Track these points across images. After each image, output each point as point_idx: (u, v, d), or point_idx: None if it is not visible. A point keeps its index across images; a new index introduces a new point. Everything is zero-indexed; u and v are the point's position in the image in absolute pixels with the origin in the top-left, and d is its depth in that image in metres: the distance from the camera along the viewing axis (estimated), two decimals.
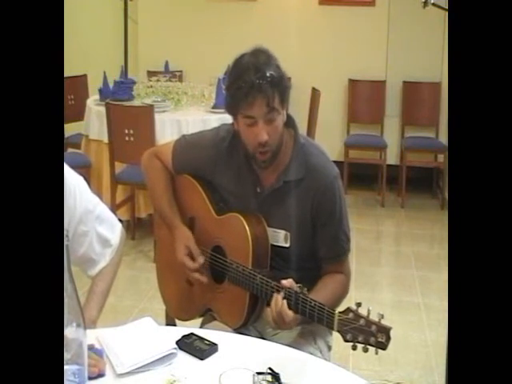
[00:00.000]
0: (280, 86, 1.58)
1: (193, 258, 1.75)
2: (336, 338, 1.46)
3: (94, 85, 4.61)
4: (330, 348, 1.77)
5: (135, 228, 4.14)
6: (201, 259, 1.75)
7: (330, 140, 4.90)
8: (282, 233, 1.69)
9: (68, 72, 4.72)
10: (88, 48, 5.46)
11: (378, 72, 5.24)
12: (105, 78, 4.36)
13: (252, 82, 1.54)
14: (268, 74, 1.56)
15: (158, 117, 3.76)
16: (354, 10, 5.21)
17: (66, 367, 1.08)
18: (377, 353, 1.31)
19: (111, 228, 1.72)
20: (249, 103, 1.56)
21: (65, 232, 1.09)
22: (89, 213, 1.63)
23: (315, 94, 4.71)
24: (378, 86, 5.25)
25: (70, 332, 1.09)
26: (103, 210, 1.70)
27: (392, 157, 5.18)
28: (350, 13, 5.22)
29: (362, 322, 1.33)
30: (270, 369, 1.28)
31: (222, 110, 4.02)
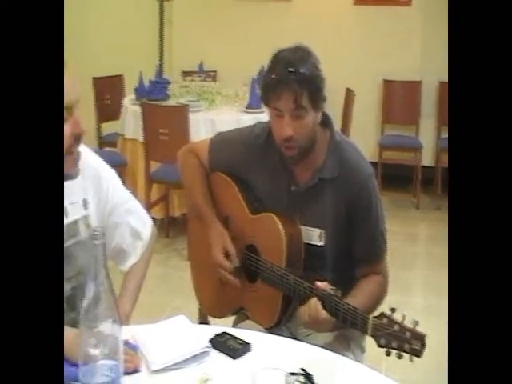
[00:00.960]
0: (311, 84, 1.57)
1: (229, 259, 1.76)
2: (370, 339, 1.45)
3: (130, 84, 4.67)
4: (363, 350, 1.75)
5: (169, 226, 4.18)
6: (236, 261, 1.75)
7: (363, 140, 4.83)
8: (316, 231, 1.68)
9: (105, 72, 4.80)
10: (124, 48, 5.53)
11: (412, 72, 5.17)
12: (141, 77, 4.40)
13: (281, 75, 1.56)
14: (300, 71, 1.55)
15: (192, 116, 3.79)
16: (389, 9, 5.15)
17: (102, 362, 1.09)
18: (411, 360, 1.30)
19: (142, 222, 1.73)
20: (276, 96, 1.58)
21: (100, 229, 1.10)
22: (120, 205, 1.65)
23: (349, 95, 4.67)
24: (413, 87, 5.18)
25: (106, 328, 1.09)
26: (135, 204, 1.72)
27: (427, 158, 5.11)
28: (384, 12, 5.16)
29: (396, 327, 1.31)
30: (302, 369, 1.27)
31: (256, 110, 4.05)
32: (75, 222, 1.52)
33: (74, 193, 1.52)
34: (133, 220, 1.69)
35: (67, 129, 1.40)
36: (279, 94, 1.57)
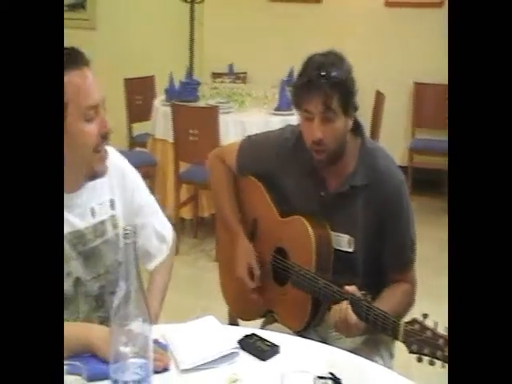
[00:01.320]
0: (342, 88, 1.57)
1: (252, 278, 1.78)
2: (399, 345, 1.43)
3: (160, 85, 4.71)
4: (392, 356, 1.74)
5: (198, 227, 4.20)
6: (258, 282, 1.78)
7: (393, 144, 4.79)
8: (345, 237, 1.67)
9: (136, 73, 4.85)
10: (155, 50, 5.58)
11: (444, 75, 5.08)
12: (171, 79, 4.43)
13: (312, 77, 1.56)
14: (332, 75, 1.55)
15: (221, 118, 3.80)
16: (421, 11, 5.10)
17: (132, 360, 1.10)
18: (443, 366, 1.28)
19: (165, 225, 1.76)
20: (307, 98, 1.58)
21: (131, 228, 1.11)
22: (145, 206, 1.66)
23: (379, 98, 4.63)
24: (445, 90, 5.08)
25: (136, 326, 1.10)
26: (157, 205, 1.75)
27: None
28: (416, 14, 5.11)
29: (428, 333, 1.30)
30: (331, 373, 1.26)
31: (285, 112, 4.05)
32: (103, 222, 1.54)
33: (101, 193, 1.54)
34: (157, 222, 1.71)
35: (94, 128, 1.42)
36: (310, 96, 1.57)
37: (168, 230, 1.77)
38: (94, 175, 1.48)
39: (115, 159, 1.59)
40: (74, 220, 1.49)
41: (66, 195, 1.47)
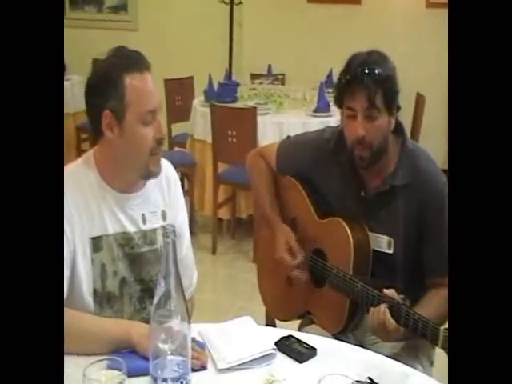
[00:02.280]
0: (385, 85, 1.56)
1: (293, 255, 1.75)
2: (439, 352, 1.41)
3: (199, 86, 4.74)
4: (432, 363, 1.71)
5: (235, 228, 4.22)
6: (300, 256, 1.75)
7: (434, 146, 4.72)
8: (385, 238, 1.66)
9: (176, 74, 4.90)
10: (195, 51, 5.63)
11: None
12: (210, 79, 4.46)
13: (356, 73, 1.55)
14: (376, 72, 1.55)
15: (260, 119, 3.81)
16: None
17: (170, 357, 1.12)
18: None
19: (194, 271, 1.73)
20: (350, 94, 1.57)
21: (171, 227, 1.12)
22: (184, 223, 1.65)
23: (420, 100, 4.57)
24: None
25: (175, 324, 1.12)
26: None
27: None
28: None
29: None
30: (369, 378, 1.25)
31: (323, 114, 4.03)
32: (154, 231, 1.55)
33: (155, 203, 1.57)
34: (190, 260, 1.69)
35: (150, 132, 1.44)
36: (353, 92, 1.56)
37: (195, 275, 1.73)
38: (149, 175, 1.51)
39: (168, 170, 1.61)
40: (125, 222, 1.52)
41: (120, 195, 1.51)
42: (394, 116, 1.62)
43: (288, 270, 1.77)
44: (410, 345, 1.66)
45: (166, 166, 1.61)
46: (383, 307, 1.46)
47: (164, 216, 1.57)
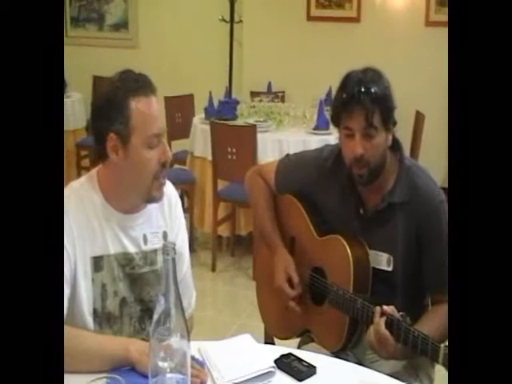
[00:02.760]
0: (382, 104, 1.57)
1: (292, 285, 1.76)
2: (438, 369, 1.41)
3: (200, 104, 4.77)
4: (432, 381, 1.70)
5: (235, 245, 4.22)
6: (299, 289, 1.75)
7: (433, 164, 4.75)
8: (384, 256, 1.66)
9: (176, 91, 4.93)
10: (195, 68, 5.67)
11: None
12: (210, 97, 4.49)
13: (353, 93, 1.56)
14: (372, 90, 1.56)
15: (260, 136, 3.82)
16: None
17: (169, 375, 1.12)
18: None
19: (193, 292, 1.73)
20: (347, 114, 1.58)
21: (171, 244, 1.12)
22: (184, 241, 1.66)
23: (419, 118, 4.60)
24: None
25: (174, 342, 1.12)
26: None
27: None
28: None
29: None
30: None
31: (323, 132, 4.05)
32: (155, 251, 1.55)
33: (156, 224, 1.57)
34: (190, 281, 1.69)
35: (155, 155, 1.45)
36: (350, 112, 1.57)
37: (194, 295, 1.72)
38: (151, 200, 1.52)
39: (168, 189, 1.61)
40: (126, 242, 1.52)
41: (123, 215, 1.51)
42: (390, 132, 1.63)
43: (286, 300, 1.77)
44: (410, 364, 1.65)
45: (167, 186, 1.60)
46: (382, 321, 1.46)
47: (165, 236, 1.58)
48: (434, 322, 1.58)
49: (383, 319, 1.47)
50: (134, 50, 5.99)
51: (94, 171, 1.55)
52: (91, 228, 1.48)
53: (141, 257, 1.53)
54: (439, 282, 1.65)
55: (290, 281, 1.76)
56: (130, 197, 1.51)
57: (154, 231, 1.56)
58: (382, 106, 1.57)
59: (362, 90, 1.55)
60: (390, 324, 1.46)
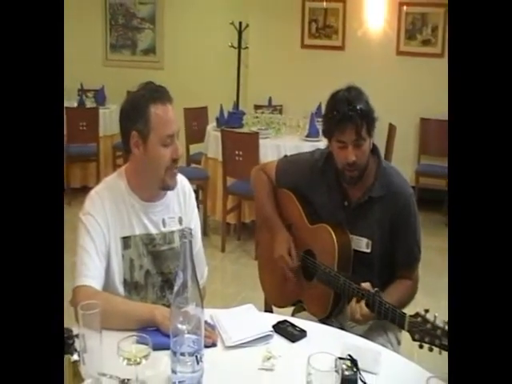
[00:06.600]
0: (368, 117, 1.57)
1: (291, 258, 1.74)
2: (404, 334, 1.40)
3: (212, 114, 4.76)
4: (399, 342, 1.70)
5: (241, 231, 4.20)
6: (296, 261, 1.74)
7: (402, 168, 4.69)
8: (364, 240, 1.66)
9: (193, 104, 4.92)
10: (209, 86, 5.67)
11: (445, 112, 4.99)
12: (221, 109, 4.48)
13: (344, 112, 1.54)
14: (358, 108, 1.54)
15: (261, 142, 3.82)
16: (426, 60, 5.04)
17: (187, 336, 1.11)
18: (440, 353, 1.25)
19: (204, 268, 1.70)
20: (341, 130, 1.56)
21: (188, 229, 1.12)
22: (198, 226, 1.64)
23: (392, 129, 4.58)
24: (446, 124, 4.99)
25: (191, 309, 1.12)
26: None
27: None
28: (422, 62, 5.06)
29: (429, 325, 1.27)
30: (349, 355, 1.24)
31: (314, 139, 4.03)
32: (172, 233, 1.55)
33: (173, 210, 1.57)
34: (202, 259, 1.67)
35: (168, 153, 1.45)
36: (343, 128, 1.55)
37: (206, 269, 1.69)
38: (166, 187, 1.51)
39: (183, 182, 1.61)
40: (149, 225, 1.52)
41: (145, 203, 1.51)
42: (372, 137, 1.62)
43: (285, 270, 1.76)
44: (378, 325, 1.66)
45: (183, 180, 1.61)
46: (359, 298, 1.47)
47: (180, 221, 1.58)
48: (399, 291, 1.59)
49: (360, 294, 1.47)
50: (160, 70, 5.98)
51: (122, 168, 1.56)
52: (120, 213, 1.48)
53: (161, 237, 1.53)
54: (406, 261, 1.66)
55: (290, 254, 1.75)
56: (148, 185, 1.50)
57: (171, 216, 1.56)
58: (368, 119, 1.57)
59: (352, 108, 1.54)
60: (366, 298, 1.46)
